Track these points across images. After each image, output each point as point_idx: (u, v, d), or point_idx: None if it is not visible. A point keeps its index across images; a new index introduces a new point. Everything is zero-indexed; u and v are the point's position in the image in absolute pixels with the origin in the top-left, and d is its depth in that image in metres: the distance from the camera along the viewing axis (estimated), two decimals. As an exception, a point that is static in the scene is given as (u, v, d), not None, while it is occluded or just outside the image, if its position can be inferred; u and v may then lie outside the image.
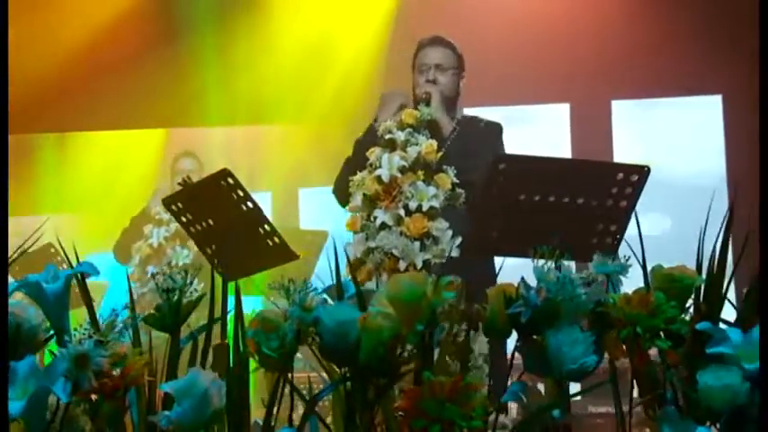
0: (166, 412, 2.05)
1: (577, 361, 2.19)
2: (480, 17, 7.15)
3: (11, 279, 6.44)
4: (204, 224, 4.16)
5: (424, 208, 4.07)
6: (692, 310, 2.38)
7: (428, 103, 4.36)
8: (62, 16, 7.81)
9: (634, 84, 7.08)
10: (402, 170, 4.11)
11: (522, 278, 2.27)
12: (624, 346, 2.28)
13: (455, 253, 4.03)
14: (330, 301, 2.28)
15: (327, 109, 7.06)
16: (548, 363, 2.22)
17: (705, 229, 2.44)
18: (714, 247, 2.42)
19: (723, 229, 2.47)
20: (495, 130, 4.65)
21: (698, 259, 2.44)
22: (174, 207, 4.19)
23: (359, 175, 4.19)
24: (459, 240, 4.05)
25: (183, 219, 4.19)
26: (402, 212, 4.07)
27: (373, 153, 4.18)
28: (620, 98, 7.27)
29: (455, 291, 2.17)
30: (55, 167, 8.32)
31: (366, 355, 2.09)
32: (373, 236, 4.08)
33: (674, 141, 7.14)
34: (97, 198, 8.36)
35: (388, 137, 4.18)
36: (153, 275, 2.16)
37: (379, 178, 4.12)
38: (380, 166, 4.13)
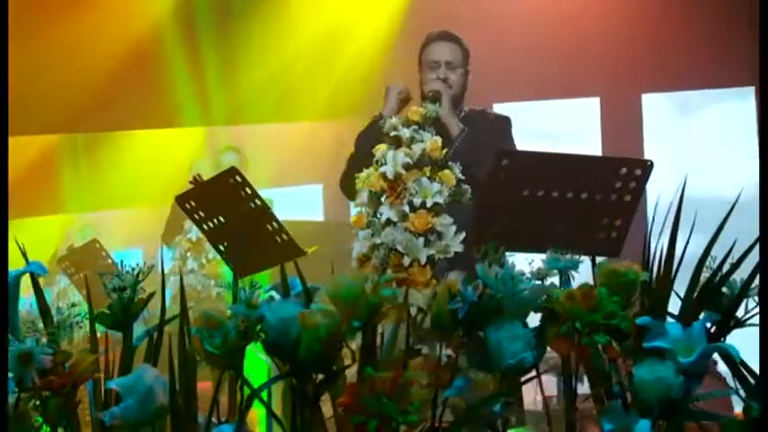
0: (112, 408, 2.11)
1: (516, 356, 2.22)
2: (506, 10, 7.13)
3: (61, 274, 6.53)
4: (216, 221, 4.22)
5: (429, 204, 4.08)
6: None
7: (436, 101, 4.33)
8: (109, 19, 7.96)
9: (665, 77, 7.00)
10: (407, 167, 4.13)
11: (462, 276, 2.29)
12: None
13: (459, 248, 4.04)
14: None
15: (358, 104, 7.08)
16: (489, 358, 2.24)
17: (652, 226, 2.45)
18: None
19: (672, 226, 2.48)
20: (503, 123, 4.62)
21: (644, 256, 2.45)
22: (187, 205, 4.24)
23: (365, 172, 4.21)
24: (462, 236, 4.06)
25: (196, 216, 4.26)
26: (407, 209, 4.09)
27: (379, 150, 4.20)
28: (650, 91, 7.19)
29: (393, 289, 2.20)
30: (102, 166, 8.46)
31: (304, 351, 2.13)
32: (378, 232, 4.11)
33: (706, 135, 7.06)
34: (140, 194, 8.48)
35: (393, 134, 4.20)
36: (101, 275, 2.20)
37: (384, 175, 4.14)
38: (385, 163, 4.15)
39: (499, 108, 6.92)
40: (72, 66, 7.79)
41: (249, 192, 4.00)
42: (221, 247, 4.22)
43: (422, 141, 4.16)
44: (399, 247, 4.05)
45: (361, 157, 4.32)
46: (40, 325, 2.20)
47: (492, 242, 3.86)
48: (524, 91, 7.17)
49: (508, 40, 6.99)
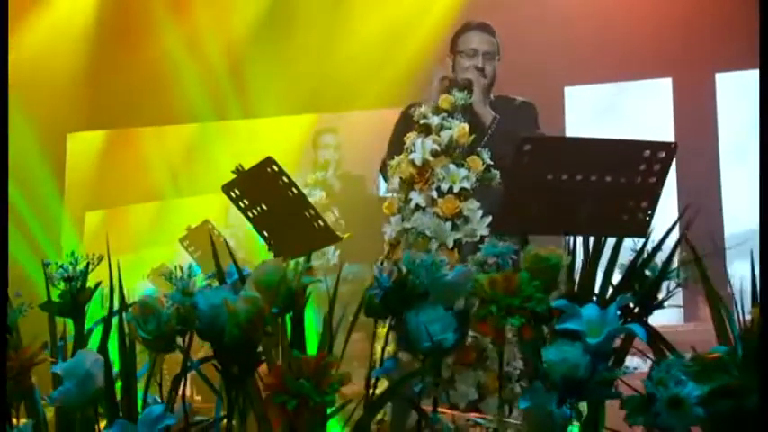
0: (53, 392, 2.25)
1: (434, 338, 2.28)
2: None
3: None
4: (259, 209, 4.37)
5: (456, 189, 4.15)
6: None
7: (465, 90, 4.38)
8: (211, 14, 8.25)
9: (739, 55, 6.84)
10: (434, 154, 4.20)
11: (378, 263, 2.37)
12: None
13: (485, 232, 4.10)
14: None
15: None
16: (410, 340, 2.32)
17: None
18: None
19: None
20: (529, 109, 4.62)
21: (566, 240, 2.50)
22: (232, 193, 4.41)
23: (396, 159, 4.30)
24: (488, 220, 4.11)
25: (241, 204, 4.42)
26: (435, 194, 4.17)
27: (409, 138, 4.29)
28: (724, 70, 7.05)
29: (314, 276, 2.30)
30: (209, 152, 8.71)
31: (227, 336, 2.24)
32: (408, 217, 4.19)
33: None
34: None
35: (422, 122, 4.27)
36: (45, 266, 2.34)
37: (412, 162, 4.22)
38: (415, 151, 4.23)
39: (571, 91, 6.94)
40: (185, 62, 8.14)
41: (286, 180, 4.14)
42: (265, 233, 4.38)
43: (450, 129, 4.22)
44: (428, 232, 4.13)
45: (396, 144, 4.41)
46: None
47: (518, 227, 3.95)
48: (596, 73, 7.12)
49: (578, 23, 6.96)
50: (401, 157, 4.27)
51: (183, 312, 2.28)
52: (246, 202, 4.40)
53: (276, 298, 2.26)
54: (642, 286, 2.41)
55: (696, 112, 6.99)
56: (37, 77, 8.30)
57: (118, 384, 2.29)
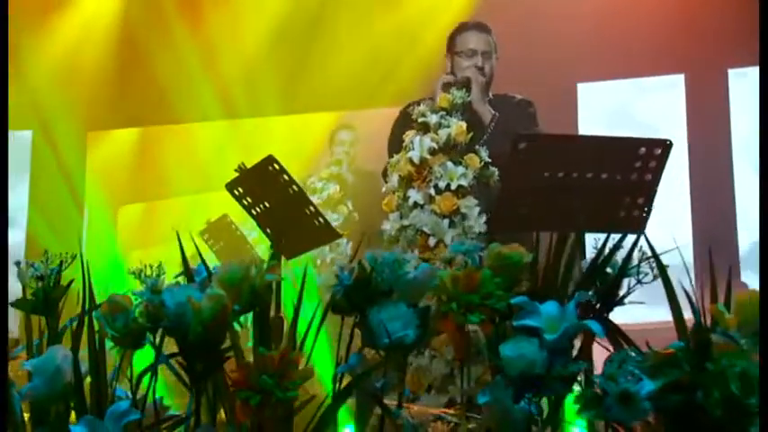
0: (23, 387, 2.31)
1: (394, 335, 2.32)
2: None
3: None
4: (262, 207, 4.42)
5: (453, 187, 4.18)
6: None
7: (463, 88, 4.41)
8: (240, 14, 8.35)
9: (752, 51, 6.79)
10: (432, 152, 4.23)
11: (338, 262, 2.40)
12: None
13: (482, 229, 4.13)
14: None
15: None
16: (371, 336, 2.35)
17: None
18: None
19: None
20: (527, 106, 4.64)
21: (535, 237, 2.52)
22: (235, 192, 4.46)
23: (395, 157, 4.35)
24: (485, 217, 4.14)
25: (245, 202, 4.46)
26: (433, 191, 4.20)
27: (407, 136, 4.32)
28: (736, 66, 7.01)
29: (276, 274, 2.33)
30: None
31: (191, 333, 2.28)
32: (407, 214, 4.23)
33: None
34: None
35: (421, 120, 4.31)
36: (16, 264, 2.40)
37: (410, 160, 4.26)
38: (413, 149, 4.27)
39: (584, 88, 6.94)
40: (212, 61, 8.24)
41: (287, 178, 4.18)
42: (268, 231, 4.42)
43: (448, 127, 4.25)
44: (426, 229, 4.16)
45: (394, 143, 4.44)
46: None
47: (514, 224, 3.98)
48: (609, 70, 7.11)
49: (589, 19, 6.95)
50: (400, 154, 4.31)
51: (151, 310, 2.32)
52: (249, 200, 4.44)
53: (239, 296, 2.29)
54: (603, 283, 2.42)
55: (709, 107, 6.95)
56: (65, 75, 8.43)
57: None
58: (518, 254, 2.41)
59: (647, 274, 2.44)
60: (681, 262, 2.58)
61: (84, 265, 2.43)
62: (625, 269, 2.40)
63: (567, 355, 2.28)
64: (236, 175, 4.49)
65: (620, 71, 7.16)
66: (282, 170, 4.15)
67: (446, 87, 4.45)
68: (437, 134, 4.24)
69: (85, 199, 8.64)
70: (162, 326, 2.31)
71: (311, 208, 4.21)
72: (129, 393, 2.38)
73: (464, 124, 4.24)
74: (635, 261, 2.49)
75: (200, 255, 2.51)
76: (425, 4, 7.62)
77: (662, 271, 2.41)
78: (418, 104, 4.37)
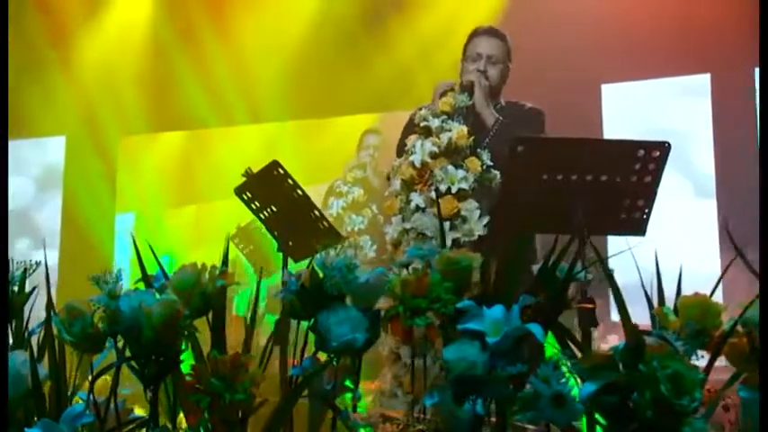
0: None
1: (341, 338, 2.35)
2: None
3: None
4: (269, 211, 4.50)
5: (454, 190, 4.21)
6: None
7: (465, 92, 4.43)
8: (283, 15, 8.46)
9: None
10: (433, 155, 4.26)
11: (289, 269, 2.44)
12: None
13: (482, 231, 4.15)
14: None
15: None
16: (322, 340, 2.39)
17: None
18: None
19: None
20: (536, 114, 4.65)
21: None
22: (244, 196, 4.55)
23: (397, 162, 4.38)
24: (486, 220, 4.16)
25: (253, 206, 4.55)
26: (434, 195, 4.22)
27: (410, 140, 4.35)
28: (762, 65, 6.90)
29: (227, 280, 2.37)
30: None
31: (143, 338, 2.34)
32: (409, 218, 4.26)
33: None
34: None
35: (423, 124, 4.34)
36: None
37: (412, 164, 4.29)
38: (415, 153, 4.30)
39: (609, 89, 6.91)
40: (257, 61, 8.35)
41: (291, 183, 4.26)
42: (276, 233, 4.49)
43: (449, 131, 4.27)
44: (427, 232, 4.19)
45: (402, 148, 4.48)
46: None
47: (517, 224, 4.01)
48: (634, 70, 7.07)
49: (616, 20, 6.92)
50: (402, 159, 4.34)
51: (109, 315, 2.37)
52: (258, 204, 4.52)
53: (190, 301, 2.34)
54: (552, 287, 2.44)
55: (735, 107, 6.88)
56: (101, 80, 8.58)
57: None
58: (467, 258, 2.43)
59: (592, 278, 2.46)
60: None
61: (47, 272, 2.49)
62: (571, 273, 2.40)
63: (511, 357, 2.29)
64: (244, 179, 4.56)
65: (646, 72, 7.11)
66: (286, 175, 4.22)
67: (443, 95, 4.46)
68: (438, 138, 4.26)
69: (120, 204, 8.78)
70: (117, 331, 2.35)
71: (315, 212, 4.27)
72: (94, 397, 2.43)
73: (465, 128, 4.27)
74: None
75: (158, 262, 2.54)
76: (453, 7, 7.62)
77: (607, 275, 2.43)
78: (420, 109, 4.39)
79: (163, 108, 8.54)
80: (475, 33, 4.73)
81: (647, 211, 3.80)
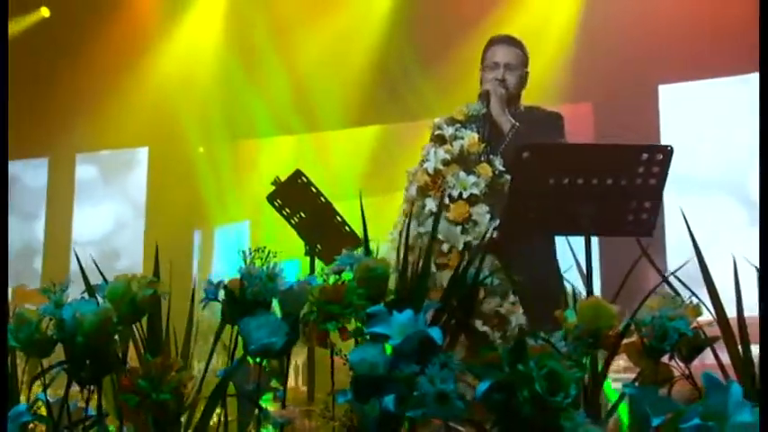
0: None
1: (259, 342, 2.45)
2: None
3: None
4: (299, 217, 4.69)
5: (465, 195, 4.26)
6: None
7: (486, 100, 4.49)
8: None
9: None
10: (445, 162, 4.33)
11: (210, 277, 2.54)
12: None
13: (493, 235, 4.20)
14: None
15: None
16: (244, 344, 2.50)
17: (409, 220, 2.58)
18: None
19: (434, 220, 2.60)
20: (554, 118, 4.68)
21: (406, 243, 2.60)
22: (275, 203, 4.74)
23: (413, 168, 4.46)
24: (496, 223, 4.21)
25: (284, 212, 4.75)
26: (447, 200, 4.29)
27: (425, 148, 4.43)
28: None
29: (157, 288, 2.49)
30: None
31: (76, 343, 2.47)
32: (423, 222, 4.33)
33: None
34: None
35: (437, 132, 4.41)
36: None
37: (426, 170, 4.36)
38: (429, 160, 4.38)
39: (665, 89, 6.84)
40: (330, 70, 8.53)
41: (315, 190, 4.44)
42: (307, 238, 4.67)
43: (462, 138, 4.34)
44: (440, 236, 4.25)
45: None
46: None
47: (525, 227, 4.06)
48: (690, 70, 6.97)
49: (667, 21, 6.84)
50: (417, 165, 4.41)
51: (56, 322, 2.52)
52: (289, 211, 4.70)
53: (120, 309, 2.46)
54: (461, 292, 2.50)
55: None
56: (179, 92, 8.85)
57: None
58: (382, 266, 2.51)
59: (499, 284, 2.51)
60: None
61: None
62: (477, 279, 2.46)
63: (413, 358, 2.35)
64: (274, 188, 4.73)
65: (700, 72, 7.00)
66: (309, 183, 4.39)
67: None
68: (452, 146, 4.32)
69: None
70: (58, 337, 2.49)
71: (338, 217, 4.42)
72: (47, 398, 2.58)
73: (476, 135, 4.33)
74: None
75: (100, 270, 2.66)
76: (514, 15, 7.64)
77: (512, 281, 2.48)
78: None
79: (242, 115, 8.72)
80: (492, 42, 4.81)
81: (653, 212, 3.81)
